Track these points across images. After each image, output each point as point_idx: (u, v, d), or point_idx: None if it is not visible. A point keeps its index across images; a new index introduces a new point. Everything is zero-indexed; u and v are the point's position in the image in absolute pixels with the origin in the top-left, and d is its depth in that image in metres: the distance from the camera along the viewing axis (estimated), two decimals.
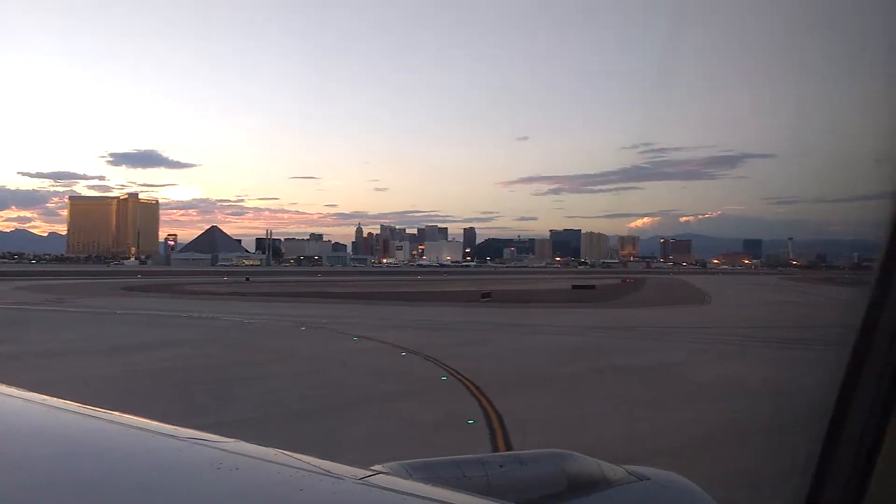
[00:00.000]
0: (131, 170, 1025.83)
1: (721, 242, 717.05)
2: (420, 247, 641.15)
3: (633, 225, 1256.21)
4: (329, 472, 2.04)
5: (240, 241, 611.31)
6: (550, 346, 29.40)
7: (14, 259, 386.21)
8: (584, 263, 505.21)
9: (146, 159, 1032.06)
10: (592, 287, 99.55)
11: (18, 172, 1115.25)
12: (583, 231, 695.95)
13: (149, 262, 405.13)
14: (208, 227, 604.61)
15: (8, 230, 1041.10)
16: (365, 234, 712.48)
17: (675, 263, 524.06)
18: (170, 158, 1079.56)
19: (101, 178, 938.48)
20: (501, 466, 2.80)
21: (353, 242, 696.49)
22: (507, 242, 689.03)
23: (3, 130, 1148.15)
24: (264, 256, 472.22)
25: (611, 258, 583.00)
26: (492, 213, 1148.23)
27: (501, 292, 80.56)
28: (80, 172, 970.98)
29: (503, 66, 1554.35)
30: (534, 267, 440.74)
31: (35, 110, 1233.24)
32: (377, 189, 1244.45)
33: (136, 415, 2.74)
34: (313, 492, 1.93)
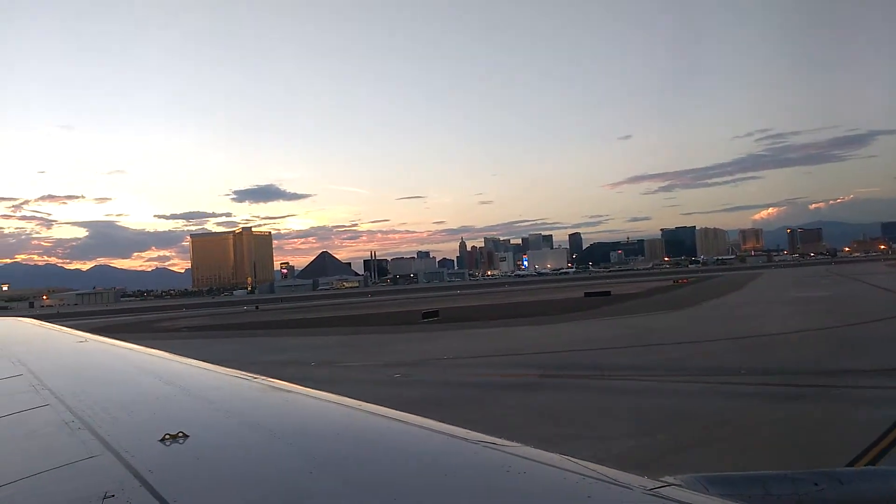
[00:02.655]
0: (254, 205, 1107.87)
1: (857, 228, 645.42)
2: (523, 256, 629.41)
3: (757, 217, 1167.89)
4: (616, 480, 2.00)
5: (349, 264, 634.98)
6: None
7: (142, 297, 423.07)
8: (697, 261, 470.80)
9: (266, 194, 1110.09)
10: (607, 294, 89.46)
11: (155, 216, 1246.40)
12: (697, 227, 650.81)
13: (256, 290, 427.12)
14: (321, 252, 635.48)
15: (149, 269, 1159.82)
16: (469, 248, 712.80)
17: (801, 255, 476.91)
18: (287, 191, 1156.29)
19: (228, 214, 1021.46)
20: (816, 485, 2.54)
21: (457, 257, 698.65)
22: (615, 246, 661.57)
23: (139, 180, 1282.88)
24: (362, 278, 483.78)
25: (731, 254, 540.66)
26: (600, 216, 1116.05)
27: (471, 308, 73.03)
28: (209, 211, 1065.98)
29: (599, 65, 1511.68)
30: (639, 269, 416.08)
31: (164, 158, 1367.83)
32: (482, 202, 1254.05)
33: (430, 418, 2.88)
34: (601, 499, 1.88)
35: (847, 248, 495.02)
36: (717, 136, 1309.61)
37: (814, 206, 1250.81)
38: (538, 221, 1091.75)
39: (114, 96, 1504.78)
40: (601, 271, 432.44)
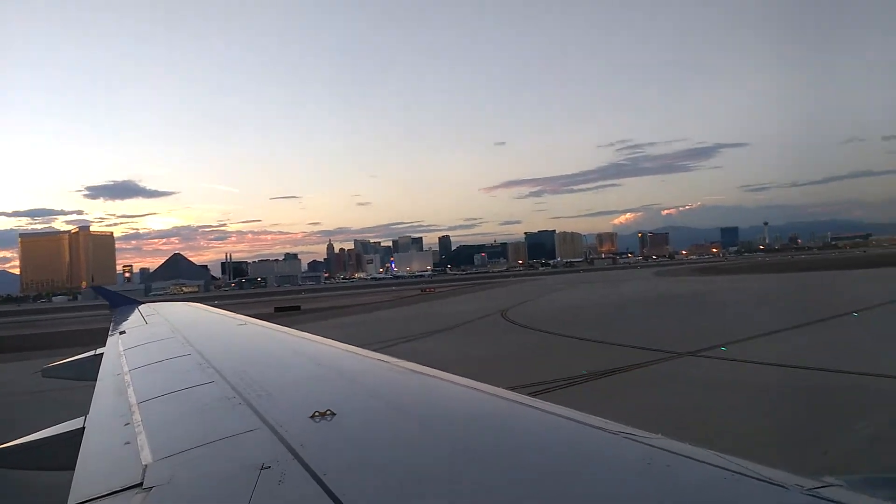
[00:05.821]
0: (110, 202, 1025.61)
1: (700, 233, 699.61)
2: (391, 259, 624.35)
3: (617, 221, 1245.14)
4: (769, 479, 1.87)
5: (206, 266, 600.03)
6: None
7: None
8: (547, 265, 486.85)
9: (123, 191, 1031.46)
10: (297, 308, 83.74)
11: None
12: (557, 231, 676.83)
13: (79, 297, 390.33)
14: (190, 255, 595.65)
15: None
16: (337, 250, 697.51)
17: (645, 257, 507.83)
18: (147, 188, 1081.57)
19: (80, 212, 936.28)
20: None
21: (325, 259, 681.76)
22: (481, 248, 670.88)
23: None
24: (202, 282, 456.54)
25: (585, 256, 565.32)
26: (475, 219, 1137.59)
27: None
28: (58, 208, 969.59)
29: (476, 72, 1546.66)
30: (494, 272, 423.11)
31: (7, 148, 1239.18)
32: (359, 204, 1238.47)
33: (568, 406, 2.88)
34: (751, 499, 1.77)
35: (685, 252, 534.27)
36: (584, 145, 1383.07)
37: (666, 212, 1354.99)
38: (415, 223, 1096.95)
39: None
40: (458, 273, 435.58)
